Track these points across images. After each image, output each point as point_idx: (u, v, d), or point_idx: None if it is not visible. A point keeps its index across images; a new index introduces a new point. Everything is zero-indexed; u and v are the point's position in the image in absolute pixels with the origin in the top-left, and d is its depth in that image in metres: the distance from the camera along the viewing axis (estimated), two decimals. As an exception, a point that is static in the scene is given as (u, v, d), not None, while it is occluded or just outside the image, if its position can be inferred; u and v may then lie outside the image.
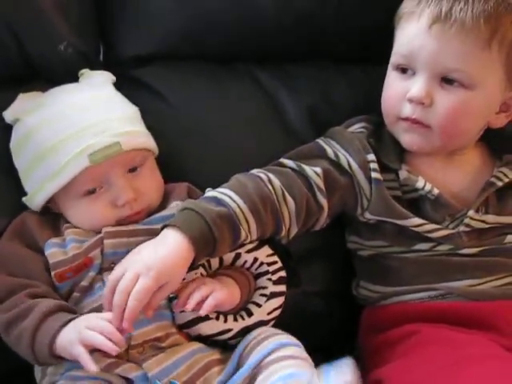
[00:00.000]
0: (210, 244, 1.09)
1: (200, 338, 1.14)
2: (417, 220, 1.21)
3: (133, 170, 1.17)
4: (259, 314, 1.16)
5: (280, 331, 1.13)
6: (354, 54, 1.39)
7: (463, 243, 1.22)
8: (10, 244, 1.16)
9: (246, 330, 1.14)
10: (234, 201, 1.13)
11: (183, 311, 1.11)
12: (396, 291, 1.24)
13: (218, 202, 1.13)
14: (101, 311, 1.09)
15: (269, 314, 1.16)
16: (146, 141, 1.20)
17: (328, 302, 1.33)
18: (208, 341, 1.14)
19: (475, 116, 1.21)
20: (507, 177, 1.24)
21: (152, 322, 1.10)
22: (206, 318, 1.13)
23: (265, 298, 1.17)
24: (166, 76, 1.34)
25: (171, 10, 1.32)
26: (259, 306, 1.16)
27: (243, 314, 1.15)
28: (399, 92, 1.20)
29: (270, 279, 1.17)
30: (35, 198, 1.18)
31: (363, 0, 1.34)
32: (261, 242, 1.18)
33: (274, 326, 1.17)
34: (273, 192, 1.17)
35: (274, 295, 1.17)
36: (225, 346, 1.15)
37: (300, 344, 1.11)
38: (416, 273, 1.23)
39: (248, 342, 1.11)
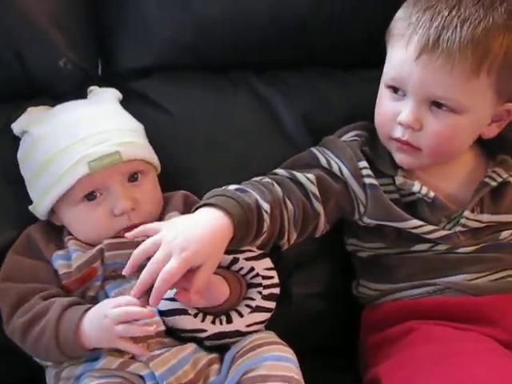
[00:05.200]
0: (244, 226, 1.10)
1: (173, 331, 1.13)
2: (415, 222, 1.23)
3: (133, 180, 1.19)
4: (238, 324, 1.14)
5: (277, 340, 1.14)
6: (347, 60, 1.40)
7: (460, 242, 1.24)
8: (18, 257, 1.18)
9: (221, 336, 1.13)
10: (254, 194, 1.15)
11: (172, 299, 1.10)
12: (395, 288, 1.26)
13: (242, 190, 1.15)
14: None
15: (248, 326, 1.14)
16: (147, 153, 1.22)
17: (329, 302, 1.34)
18: (180, 336, 1.13)
19: (464, 136, 1.22)
20: (501, 176, 1.26)
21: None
22: (185, 312, 1.13)
23: (249, 310, 1.16)
24: (165, 87, 1.36)
25: (168, 22, 1.34)
26: (241, 315, 1.15)
27: (223, 318, 1.14)
28: (390, 113, 1.21)
29: (260, 292, 1.17)
30: (40, 205, 1.20)
31: (356, 8, 1.35)
32: (263, 255, 1.19)
33: (276, 326, 1.17)
34: (277, 195, 1.19)
35: (259, 309, 1.16)
36: (200, 344, 1.14)
37: (294, 359, 1.11)
38: (414, 270, 1.25)
39: (242, 346, 1.12)
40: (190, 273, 1.05)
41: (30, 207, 1.22)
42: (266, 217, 1.14)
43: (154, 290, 1.03)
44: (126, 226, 1.17)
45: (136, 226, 1.16)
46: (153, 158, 1.23)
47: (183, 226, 1.07)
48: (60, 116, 1.22)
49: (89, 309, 1.09)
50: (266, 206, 1.14)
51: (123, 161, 1.17)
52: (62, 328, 1.08)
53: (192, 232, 1.06)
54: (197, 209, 1.11)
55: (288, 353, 1.11)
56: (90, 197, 1.17)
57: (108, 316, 1.05)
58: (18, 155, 1.24)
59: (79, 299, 1.13)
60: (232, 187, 1.16)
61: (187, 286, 1.05)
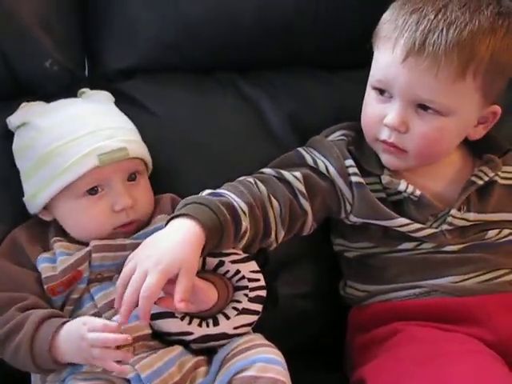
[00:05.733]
0: (218, 230, 1.10)
1: (160, 335, 1.14)
2: (402, 220, 1.23)
3: (131, 179, 1.20)
4: (225, 326, 1.14)
5: (265, 342, 1.14)
6: (333, 61, 1.40)
7: (446, 241, 1.24)
8: (1, 262, 1.17)
9: (207, 339, 1.14)
10: (230, 196, 1.16)
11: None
12: (381, 289, 1.26)
13: (215, 194, 1.16)
14: None
15: (235, 328, 1.15)
16: (146, 153, 1.24)
17: (316, 302, 1.35)
18: (166, 339, 1.14)
19: (451, 138, 1.22)
20: (487, 175, 1.26)
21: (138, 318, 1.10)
22: (171, 315, 1.13)
23: (235, 312, 1.16)
24: (150, 88, 1.36)
25: (153, 23, 1.34)
26: (228, 318, 1.15)
27: (209, 321, 1.14)
28: (377, 115, 1.22)
29: (246, 295, 1.17)
30: (38, 196, 1.20)
31: (341, 8, 1.35)
32: (248, 257, 1.19)
33: (264, 326, 1.17)
34: (260, 194, 1.19)
35: (245, 311, 1.16)
36: (186, 347, 1.14)
37: (282, 361, 1.11)
38: (400, 271, 1.25)
39: (231, 349, 1.12)
40: (173, 284, 1.06)
41: (24, 199, 1.22)
42: (244, 217, 1.14)
43: (139, 309, 1.04)
44: (124, 222, 1.18)
45: (133, 222, 1.19)
46: (149, 158, 1.25)
47: (154, 243, 1.09)
48: (63, 109, 1.23)
49: (64, 323, 1.09)
50: (243, 206, 1.15)
51: (129, 157, 1.18)
52: (36, 343, 1.08)
53: (163, 245, 1.08)
54: (168, 221, 1.12)
55: (277, 355, 1.12)
56: (92, 191, 1.18)
57: (85, 339, 1.05)
58: (14, 147, 1.24)
59: (56, 311, 1.12)
60: (206, 192, 1.17)
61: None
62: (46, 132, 1.20)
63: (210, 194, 1.16)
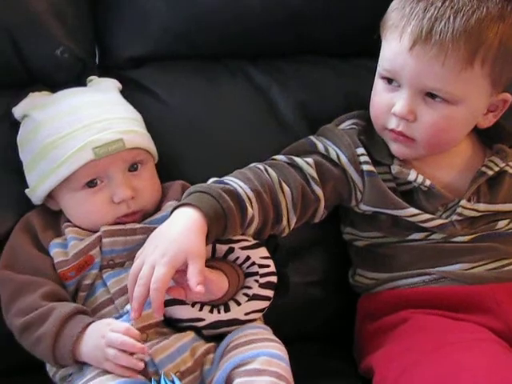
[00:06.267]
0: (221, 217, 1.11)
1: (171, 321, 1.14)
2: (412, 210, 1.23)
3: (133, 169, 1.20)
4: (236, 312, 1.15)
5: (272, 337, 1.13)
6: (343, 48, 1.40)
7: (456, 231, 1.24)
8: (17, 245, 1.19)
9: (219, 325, 1.14)
10: (235, 182, 1.16)
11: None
12: (391, 277, 1.26)
13: (220, 182, 1.16)
14: (101, 310, 1.14)
15: (246, 314, 1.15)
16: (147, 142, 1.23)
17: (326, 290, 1.35)
18: (178, 326, 1.14)
19: (460, 127, 1.22)
20: (497, 165, 1.26)
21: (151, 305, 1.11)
22: (182, 302, 1.13)
23: (246, 298, 1.16)
24: (161, 76, 1.36)
25: (164, 11, 1.34)
26: (238, 304, 1.15)
27: (221, 308, 1.15)
28: (385, 103, 1.22)
29: (256, 281, 1.17)
30: (38, 189, 1.21)
31: (351, -5, 1.36)
32: (258, 244, 1.19)
33: (273, 314, 1.18)
34: (270, 179, 1.19)
35: (256, 297, 1.16)
36: (198, 334, 1.14)
37: (286, 358, 1.10)
38: (410, 259, 1.25)
39: (235, 338, 1.12)
40: (182, 273, 1.07)
41: (27, 191, 1.23)
42: (249, 203, 1.15)
43: (152, 303, 1.05)
44: (125, 213, 1.19)
45: (135, 213, 1.19)
46: (152, 147, 1.24)
47: (158, 236, 1.10)
48: (62, 102, 1.23)
49: (89, 324, 1.08)
50: (249, 192, 1.15)
51: (126, 148, 1.18)
52: (60, 342, 1.08)
53: (166, 236, 1.09)
54: (172, 212, 1.12)
55: (281, 351, 1.11)
56: (91, 184, 1.18)
57: (105, 337, 1.06)
58: (18, 139, 1.25)
59: (80, 307, 1.12)
60: (211, 180, 1.18)
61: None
62: (43, 125, 1.20)
63: (214, 182, 1.17)
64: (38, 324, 1.10)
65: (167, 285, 1.06)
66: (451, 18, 1.15)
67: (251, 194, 1.15)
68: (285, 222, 1.20)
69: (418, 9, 1.16)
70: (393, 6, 1.22)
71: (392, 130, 1.22)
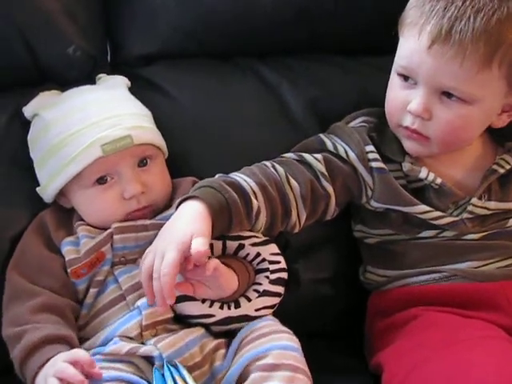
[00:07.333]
0: (224, 208, 1.12)
1: (181, 318, 1.15)
2: (423, 207, 1.23)
3: (143, 164, 1.21)
4: (246, 308, 1.15)
5: (283, 328, 1.14)
6: (353, 46, 1.41)
7: (467, 229, 1.24)
8: (30, 243, 1.20)
9: (229, 321, 1.14)
10: (239, 176, 1.17)
11: None
12: (401, 274, 1.26)
13: (223, 176, 1.17)
14: (113, 307, 1.15)
15: (257, 310, 1.15)
16: (156, 138, 1.24)
17: (336, 287, 1.35)
18: (188, 322, 1.14)
19: (474, 126, 1.22)
20: (509, 164, 1.26)
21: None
22: (192, 298, 1.14)
23: (256, 294, 1.16)
24: (171, 74, 1.37)
25: (173, 9, 1.35)
26: (249, 300, 1.16)
27: (231, 304, 1.15)
28: (400, 100, 1.21)
29: (267, 277, 1.17)
30: (48, 187, 1.22)
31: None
32: (268, 240, 1.19)
33: (283, 310, 1.18)
34: (276, 174, 1.20)
35: (266, 293, 1.17)
36: (207, 330, 1.15)
37: (299, 348, 1.11)
38: (421, 257, 1.25)
39: (248, 333, 1.13)
40: (195, 266, 1.08)
41: (38, 189, 1.24)
42: (254, 195, 1.15)
43: (163, 288, 1.05)
44: (136, 208, 1.19)
45: (145, 208, 1.20)
46: (161, 142, 1.25)
47: (165, 230, 1.12)
48: (70, 100, 1.24)
49: (50, 359, 1.06)
50: (253, 185, 1.16)
51: (134, 144, 1.18)
52: (25, 370, 1.08)
53: (174, 228, 1.10)
54: (177, 207, 1.14)
55: (294, 342, 1.12)
56: (101, 181, 1.19)
57: (54, 367, 1.05)
58: (29, 138, 1.26)
59: (53, 333, 1.09)
60: (216, 176, 1.19)
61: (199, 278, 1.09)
62: (53, 124, 1.21)
63: (218, 177, 1.17)
64: (12, 344, 1.10)
65: (177, 269, 1.06)
66: (471, 17, 1.14)
67: (255, 187, 1.16)
68: (294, 215, 1.20)
69: (439, 7, 1.15)
70: (411, 3, 1.21)
71: (406, 128, 1.22)
